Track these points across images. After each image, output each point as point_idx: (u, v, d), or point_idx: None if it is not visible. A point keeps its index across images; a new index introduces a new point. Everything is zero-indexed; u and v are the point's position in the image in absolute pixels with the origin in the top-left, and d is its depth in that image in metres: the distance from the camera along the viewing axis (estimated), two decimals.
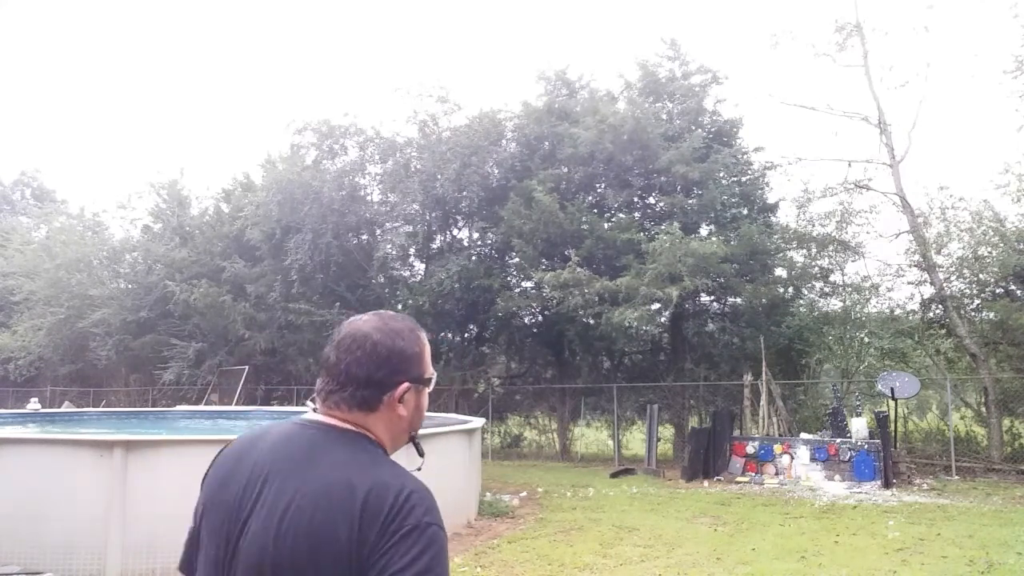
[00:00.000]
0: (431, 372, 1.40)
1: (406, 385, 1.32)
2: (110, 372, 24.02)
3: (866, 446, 11.87)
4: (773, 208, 17.75)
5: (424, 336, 1.41)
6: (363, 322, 1.35)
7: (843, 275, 17.21)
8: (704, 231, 16.49)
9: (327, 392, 1.32)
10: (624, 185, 17.24)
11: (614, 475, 13.44)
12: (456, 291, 16.76)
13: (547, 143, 18.05)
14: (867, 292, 16.37)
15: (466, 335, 19.78)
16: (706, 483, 12.31)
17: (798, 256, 17.09)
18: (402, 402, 1.32)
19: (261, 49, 79.23)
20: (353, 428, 1.29)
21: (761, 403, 13.72)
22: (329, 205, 17.83)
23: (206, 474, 1.34)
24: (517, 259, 17.91)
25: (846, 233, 16.52)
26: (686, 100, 17.63)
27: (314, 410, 1.34)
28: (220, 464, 1.33)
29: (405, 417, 1.34)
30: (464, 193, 17.62)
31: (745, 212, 16.65)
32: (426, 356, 1.39)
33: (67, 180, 70.23)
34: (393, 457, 1.37)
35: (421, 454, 1.41)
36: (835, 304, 17.22)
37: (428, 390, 1.40)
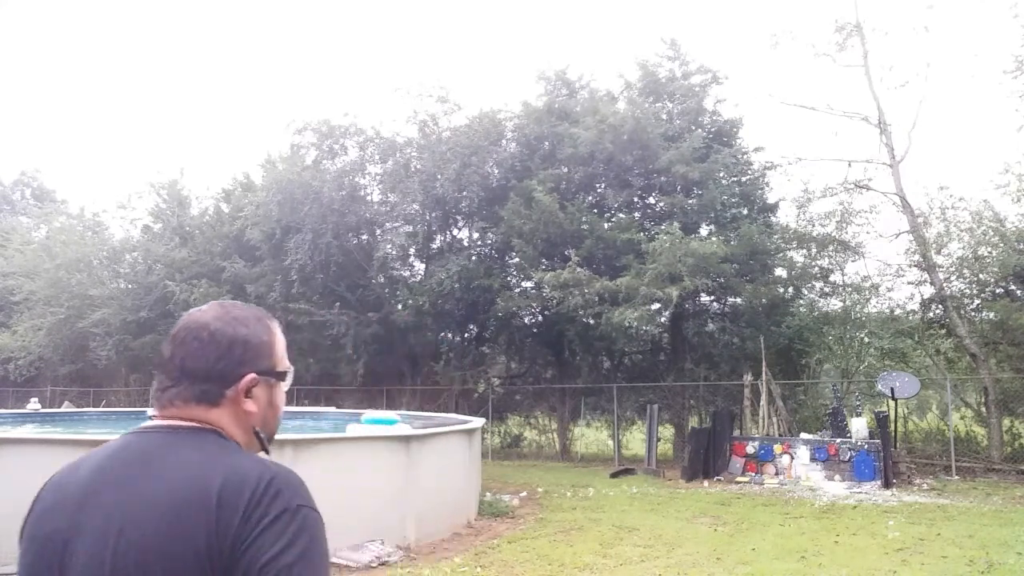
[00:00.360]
0: (285, 366, 1.26)
1: (252, 377, 1.17)
2: (110, 372, 24.04)
3: (866, 446, 11.87)
4: (773, 208, 17.75)
5: (276, 326, 1.27)
6: (201, 312, 1.22)
7: (843, 275, 17.24)
8: (704, 231, 16.49)
9: (160, 390, 1.17)
10: (624, 185, 17.24)
11: (614, 475, 13.44)
12: (456, 291, 16.76)
13: (547, 143, 18.05)
14: (867, 292, 16.38)
15: (466, 335, 19.79)
16: (706, 483, 12.31)
17: (798, 256, 17.10)
18: (250, 397, 1.18)
19: (261, 49, 79.26)
20: (196, 424, 1.14)
21: (761, 403, 13.72)
22: (329, 205, 17.83)
23: (27, 516, 1.16)
24: (517, 259, 17.92)
25: (846, 233, 16.52)
26: (686, 100, 17.63)
27: (151, 417, 1.19)
28: (40, 500, 1.15)
29: (255, 413, 1.19)
30: (464, 193, 17.62)
31: (745, 212, 16.65)
32: (278, 347, 1.25)
33: (67, 180, 70.29)
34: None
35: (267, 452, 1.23)
36: (835, 304, 17.23)
37: (285, 386, 1.27)
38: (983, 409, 14.62)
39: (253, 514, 1.02)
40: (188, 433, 1.13)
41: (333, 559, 6.51)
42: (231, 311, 1.22)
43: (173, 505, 1.03)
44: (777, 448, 12.66)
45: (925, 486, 11.59)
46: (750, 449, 12.89)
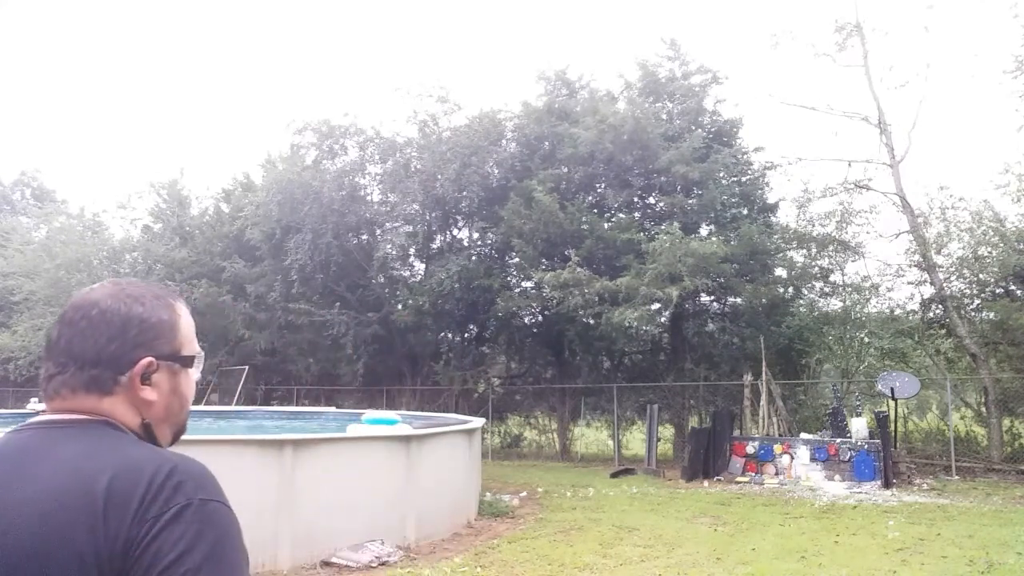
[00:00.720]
0: (193, 350, 1.13)
1: (148, 361, 1.04)
2: None
3: (866, 446, 11.87)
4: (773, 208, 17.76)
5: (182, 306, 1.14)
6: (92, 290, 1.09)
7: (843, 275, 17.24)
8: (704, 231, 16.49)
9: (47, 378, 1.04)
10: (624, 185, 17.24)
11: (614, 475, 13.44)
12: (456, 291, 16.76)
13: (547, 143, 18.05)
14: (867, 292, 16.38)
15: (466, 335, 19.79)
16: (706, 483, 12.31)
17: (798, 256, 17.10)
18: (148, 384, 1.05)
19: (261, 49, 79.27)
20: (85, 417, 1.01)
21: (761, 403, 13.72)
22: (329, 205, 17.84)
23: None
24: (517, 259, 17.92)
25: (846, 233, 16.53)
26: (686, 100, 17.63)
27: (39, 412, 1.06)
28: None
29: (156, 403, 1.06)
30: (464, 193, 17.63)
31: (745, 212, 16.66)
32: (183, 328, 1.11)
33: (67, 180, 70.25)
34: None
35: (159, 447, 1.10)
36: (835, 304, 17.24)
37: (194, 373, 1.13)
38: (983, 409, 14.62)
39: (148, 512, 0.90)
40: (75, 427, 1.00)
41: (333, 559, 6.50)
42: (126, 288, 1.09)
43: (52, 507, 0.90)
44: (777, 448, 12.66)
45: (925, 486, 11.59)
46: (750, 449, 12.89)
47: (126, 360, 1.04)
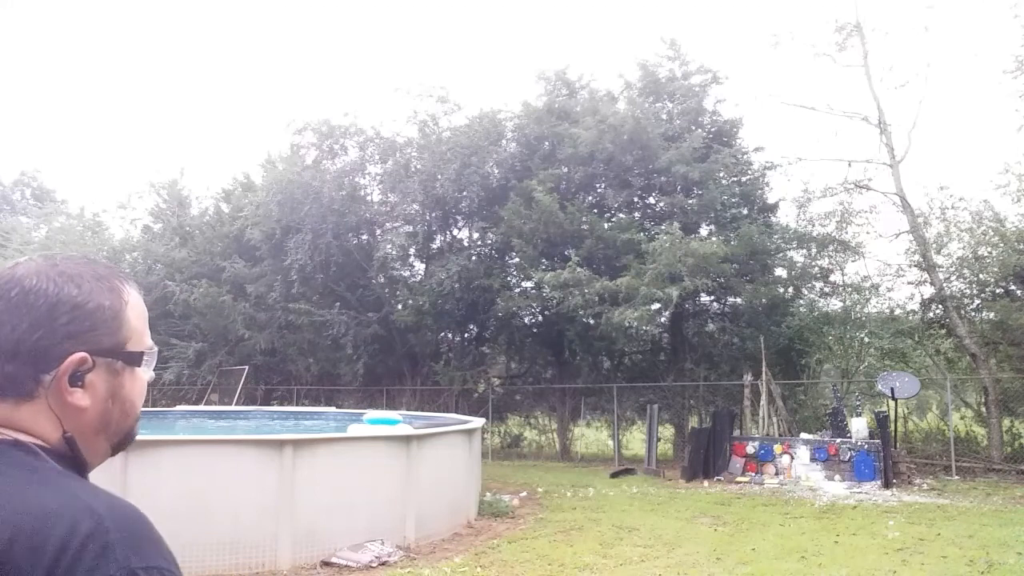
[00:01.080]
0: (142, 344, 0.91)
1: (80, 357, 0.82)
2: None
3: (866, 446, 11.87)
4: (773, 208, 17.76)
5: (130, 290, 0.91)
6: (18, 264, 0.87)
7: (843, 275, 17.27)
8: (704, 231, 16.51)
9: None
10: (624, 185, 17.24)
11: (614, 475, 13.44)
12: (456, 291, 16.77)
13: (547, 143, 18.05)
14: (867, 292, 16.40)
15: (466, 335, 19.79)
16: (706, 483, 12.31)
17: (798, 256, 17.12)
18: (81, 386, 0.84)
19: (261, 49, 79.24)
20: None
21: (761, 403, 13.72)
22: (329, 205, 17.85)
23: None
24: (517, 259, 17.93)
25: (846, 233, 16.55)
26: (686, 100, 17.63)
27: None
28: None
29: (89, 410, 0.85)
30: (464, 193, 17.63)
31: (745, 212, 16.67)
32: (130, 318, 0.89)
33: (67, 180, 70.10)
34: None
35: (84, 471, 0.88)
36: (835, 304, 17.25)
37: (143, 373, 0.91)
38: (983, 409, 14.63)
39: None
40: None
41: (333, 559, 6.50)
42: (60, 265, 0.87)
43: None
44: (777, 448, 12.66)
45: (925, 486, 11.59)
46: (750, 449, 12.89)
47: (53, 355, 0.82)
